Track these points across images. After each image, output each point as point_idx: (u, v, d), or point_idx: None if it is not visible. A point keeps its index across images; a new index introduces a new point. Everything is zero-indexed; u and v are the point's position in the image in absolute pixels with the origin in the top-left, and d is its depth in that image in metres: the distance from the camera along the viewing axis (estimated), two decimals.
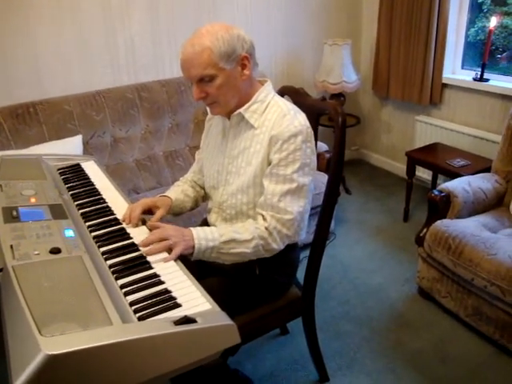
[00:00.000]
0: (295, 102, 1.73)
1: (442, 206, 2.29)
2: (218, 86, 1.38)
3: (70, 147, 2.49)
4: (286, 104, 1.46)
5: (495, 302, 1.98)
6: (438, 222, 2.24)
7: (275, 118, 1.43)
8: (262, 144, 1.43)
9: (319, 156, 2.92)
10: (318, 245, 1.65)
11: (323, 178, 2.83)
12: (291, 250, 1.57)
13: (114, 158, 2.74)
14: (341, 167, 1.56)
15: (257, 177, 1.45)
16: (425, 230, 2.30)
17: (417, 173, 3.34)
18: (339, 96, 3.40)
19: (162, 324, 0.95)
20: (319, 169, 2.90)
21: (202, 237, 1.36)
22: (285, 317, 1.74)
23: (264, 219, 1.42)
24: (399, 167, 3.69)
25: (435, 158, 2.95)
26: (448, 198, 2.29)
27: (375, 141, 3.97)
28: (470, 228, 2.15)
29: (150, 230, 1.42)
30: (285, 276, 1.65)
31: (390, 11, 3.32)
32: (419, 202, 3.28)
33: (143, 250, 1.28)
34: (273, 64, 3.42)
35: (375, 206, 3.37)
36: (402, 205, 3.16)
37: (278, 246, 1.44)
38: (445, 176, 3.03)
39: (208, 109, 1.54)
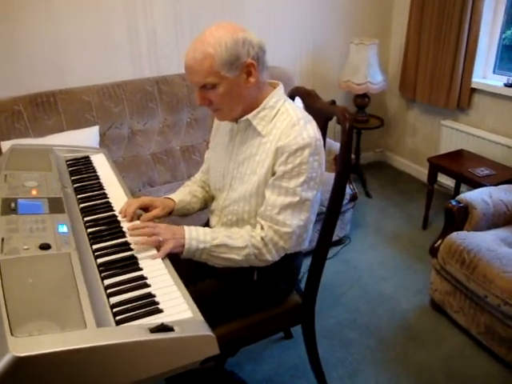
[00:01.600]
0: (305, 105, 1.70)
1: (459, 217, 2.20)
2: (221, 94, 1.33)
3: (86, 138, 2.51)
4: (296, 112, 1.39)
5: (509, 322, 1.89)
6: (454, 233, 2.15)
7: (284, 127, 1.36)
8: (267, 154, 1.38)
9: (337, 159, 2.84)
10: (320, 252, 1.60)
11: None
12: (293, 257, 1.53)
13: (131, 151, 2.74)
14: (347, 174, 1.50)
15: (260, 187, 1.40)
16: (440, 241, 2.21)
17: (440, 179, 3.24)
18: (364, 97, 3.32)
19: (136, 330, 0.93)
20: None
21: (194, 237, 1.34)
22: (283, 323, 1.71)
23: (262, 229, 1.39)
24: (423, 172, 3.57)
25: (458, 166, 2.84)
26: (466, 209, 2.20)
27: (400, 144, 3.87)
28: (486, 242, 2.06)
29: None
30: (285, 283, 1.61)
31: (421, 11, 3.21)
32: (440, 210, 3.14)
33: (130, 239, 1.30)
34: (297, 61, 3.35)
35: (395, 212, 3.29)
36: (423, 211, 3.07)
37: (272, 257, 1.40)
38: (468, 185, 2.92)
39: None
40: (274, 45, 3.23)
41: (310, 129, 1.35)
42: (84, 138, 2.49)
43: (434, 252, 2.23)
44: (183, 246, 1.32)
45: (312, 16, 3.29)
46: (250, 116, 1.41)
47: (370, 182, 3.64)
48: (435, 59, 3.19)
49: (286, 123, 1.37)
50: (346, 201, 2.76)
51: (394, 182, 3.73)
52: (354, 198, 2.81)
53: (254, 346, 1.72)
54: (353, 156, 2.89)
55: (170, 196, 1.63)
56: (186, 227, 1.36)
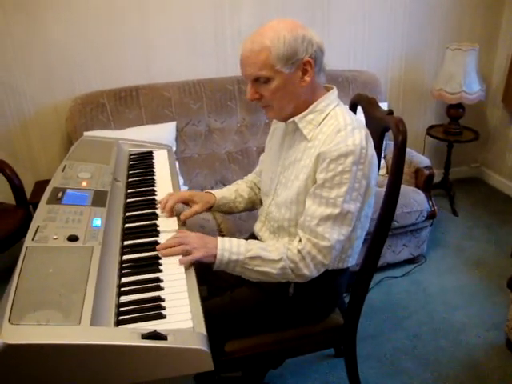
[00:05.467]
0: (365, 113, 1.59)
1: None
2: (274, 89, 1.29)
3: (163, 133, 2.58)
4: (345, 118, 1.31)
5: None
6: None
7: (329, 132, 1.29)
8: (310, 159, 1.32)
9: (418, 172, 2.66)
10: (362, 277, 1.48)
11: (417, 195, 2.58)
12: (336, 274, 1.44)
13: (207, 148, 2.78)
14: (397, 191, 1.37)
15: (300, 194, 1.34)
16: None
17: None
18: (458, 107, 3.05)
19: (128, 334, 0.92)
20: (416, 185, 2.67)
21: (227, 248, 1.30)
22: (321, 343, 1.61)
23: (299, 241, 1.31)
24: None
25: None
26: None
27: (499, 160, 3.52)
28: None
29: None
30: (324, 301, 1.52)
31: None
32: None
33: (159, 251, 1.27)
34: (388, 66, 3.16)
35: (482, 234, 2.99)
36: None
37: (310, 272, 1.31)
38: None
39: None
40: (363, 48, 3.10)
41: (356, 135, 1.25)
42: (161, 133, 2.56)
43: (511, 284, 1.99)
44: (215, 256, 1.29)
45: (406, 18, 3.08)
46: (296, 118, 1.35)
47: (459, 198, 3.36)
48: None
49: (332, 128, 1.30)
50: (422, 218, 2.56)
51: (487, 201, 3.40)
52: (432, 215, 2.60)
53: (300, 359, 1.65)
54: (435, 171, 2.67)
55: (213, 191, 1.63)
56: (219, 238, 1.33)
